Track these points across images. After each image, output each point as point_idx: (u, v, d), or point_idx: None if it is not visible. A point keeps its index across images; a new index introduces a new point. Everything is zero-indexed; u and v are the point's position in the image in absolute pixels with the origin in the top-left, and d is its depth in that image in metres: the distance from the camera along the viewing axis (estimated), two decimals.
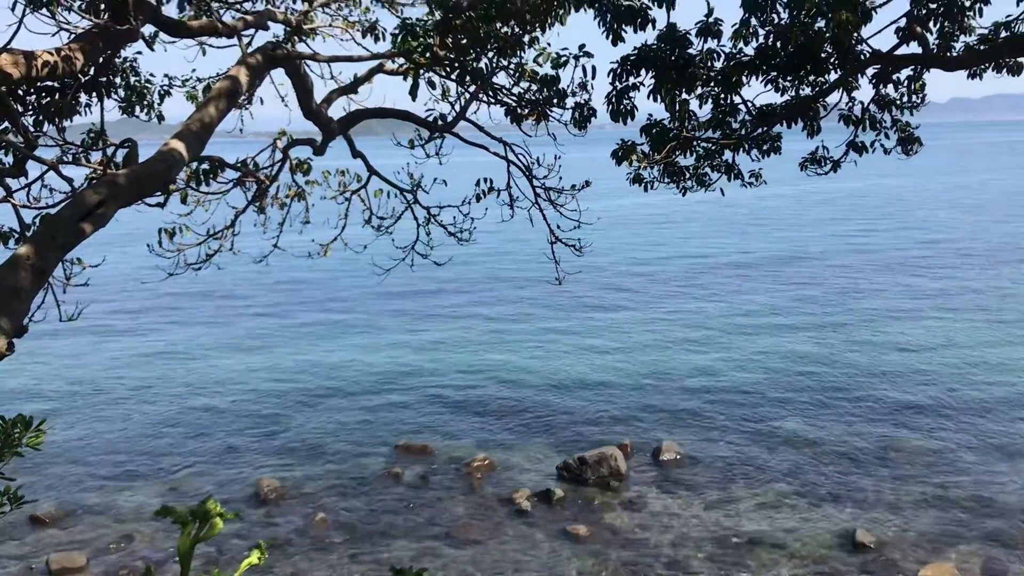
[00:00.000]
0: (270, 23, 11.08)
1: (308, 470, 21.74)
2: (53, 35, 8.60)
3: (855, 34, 11.89)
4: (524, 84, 11.17)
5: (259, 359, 32.44)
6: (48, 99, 9.77)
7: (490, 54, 10.31)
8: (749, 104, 12.72)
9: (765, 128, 12.68)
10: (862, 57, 12.21)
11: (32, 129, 9.49)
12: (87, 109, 10.61)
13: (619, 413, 25.35)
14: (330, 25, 12.95)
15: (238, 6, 11.35)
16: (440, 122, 11.42)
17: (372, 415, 25.75)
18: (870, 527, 17.75)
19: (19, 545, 18.19)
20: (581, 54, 10.54)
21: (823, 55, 11.92)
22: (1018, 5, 12.33)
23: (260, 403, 27.16)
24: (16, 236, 9.35)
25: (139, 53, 11.28)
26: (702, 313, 38.31)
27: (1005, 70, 13.41)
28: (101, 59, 9.64)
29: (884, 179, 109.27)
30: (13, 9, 8.41)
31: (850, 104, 13.40)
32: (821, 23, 11.82)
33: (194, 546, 3.27)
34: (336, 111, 11.66)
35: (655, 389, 27.49)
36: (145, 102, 11.61)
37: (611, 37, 11.27)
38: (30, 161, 8.64)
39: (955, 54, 12.96)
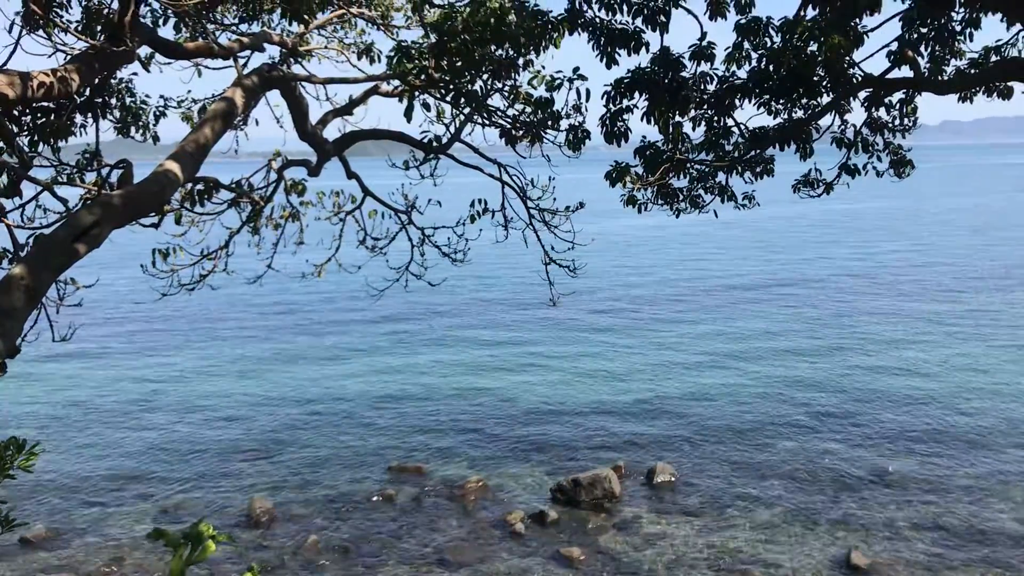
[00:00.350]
0: (266, 45, 11.15)
1: (301, 492, 21.61)
2: (49, 56, 8.63)
3: (847, 58, 11.99)
4: (519, 106, 11.24)
5: (252, 380, 32.33)
6: (43, 119, 9.79)
7: (485, 76, 10.37)
8: (742, 127, 12.81)
9: (758, 150, 12.76)
10: (854, 80, 12.31)
11: (27, 149, 9.50)
12: (82, 129, 10.64)
13: (613, 435, 25.28)
14: (326, 47, 13.03)
15: (234, 28, 11.40)
16: (435, 143, 11.48)
17: (365, 436, 25.65)
18: (865, 551, 17.68)
19: (8, 567, 18.02)
20: (575, 77, 10.61)
21: (815, 78, 12.02)
22: (1007, 30, 12.46)
23: (253, 424, 27.03)
24: (10, 256, 9.34)
25: (135, 74, 11.32)
26: (696, 335, 38.33)
27: (996, 94, 13.55)
28: (97, 80, 9.67)
29: (877, 201, 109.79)
30: (10, 30, 8.44)
31: (842, 127, 13.51)
32: (813, 47, 11.93)
33: (186, 569, 3.25)
34: (331, 132, 11.73)
35: (649, 411, 27.44)
36: (140, 123, 11.64)
37: (605, 60, 11.36)
38: (25, 181, 8.64)
39: (946, 78, 13.09)
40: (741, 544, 18.26)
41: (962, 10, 12.40)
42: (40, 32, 8.70)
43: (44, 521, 19.98)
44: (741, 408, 27.39)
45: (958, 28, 12.69)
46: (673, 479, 21.67)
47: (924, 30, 12.73)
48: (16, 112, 9.38)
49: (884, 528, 18.78)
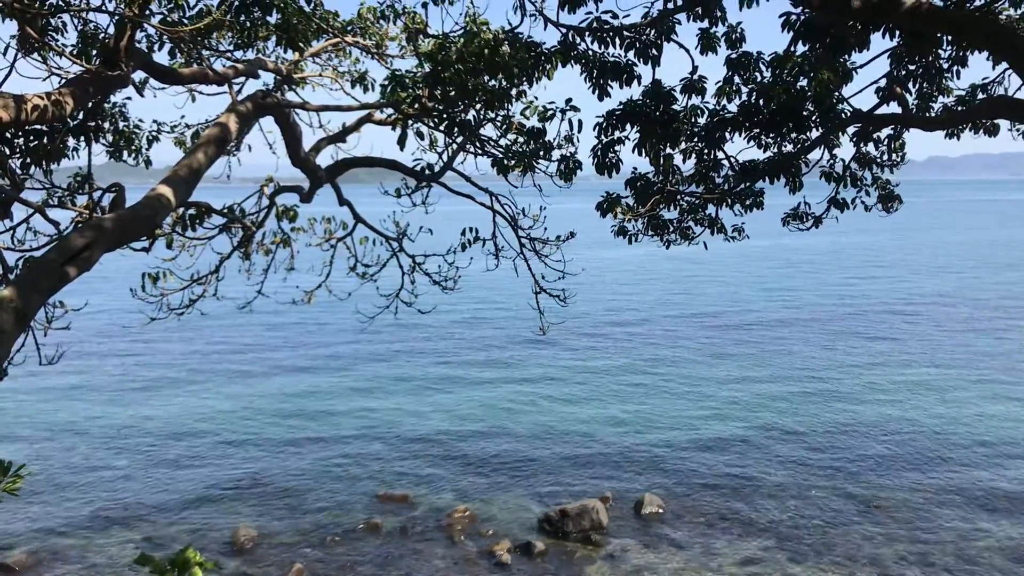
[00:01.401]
0: (261, 72, 11.21)
1: (286, 519, 21.43)
2: (44, 79, 8.66)
3: (836, 93, 12.13)
4: (511, 136, 11.32)
5: (239, 406, 32.12)
6: (36, 142, 9.80)
7: (478, 106, 10.45)
8: (732, 160, 12.91)
9: (748, 183, 12.86)
10: (843, 116, 12.45)
11: (19, 172, 9.50)
12: (75, 153, 10.65)
13: (601, 466, 25.20)
14: (320, 75, 13.11)
15: (229, 55, 11.46)
16: (427, 171, 11.53)
17: (351, 464, 25.49)
18: None
19: None
20: (568, 108, 10.71)
21: (805, 113, 12.15)
22: (993, 68, 12.63)
23: (238, 450, 26.84)
24: None
25: (128, 98, 11.35)
26: (685, 365, 38.35)
27: (982, 130, 13.70)
28: (91, 104, 9.70)
29: (866, 236, 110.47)
30: (5, 53, 8.48)
31: (831, 161, 13.62)
32: (803, 82, 12.07)
33: None
34: (324, 159, 11.76)
35: (637, 441, 27.38)
36: (133, 147, 11.66)
37: (597, 92, 11.45)
38: (16, 204, 8.64)
39: (934, 114, 13.25)
40: None
41: (949, 48, 12.58)
42: (35, 55, 8.74)
43: (25, 546, 19.74)
44: (729, 440, 27.35)
45: (945, 65, 12.87)
46: (661, 510, 21.58)
47: (912, 67, 12.91)
48: (9, 134, 9.39)
49: (872, 558, 18.73)
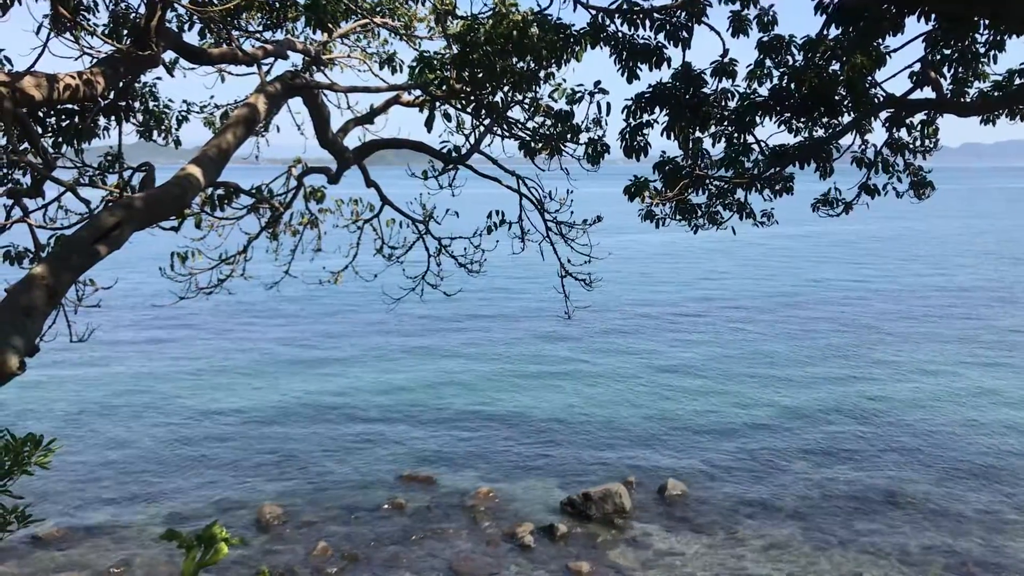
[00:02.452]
0: (289, 52, 11.22)
1: (311, 498, 21.63)
2: (76, 59, 8.72)
3: (869, 78, 11.95)
4: (539, 118, 11.25)
5: (266, 385, 32.42)
6: (68, 121, 9.89)
7: (506, 88, 10.39)
8: (762, 144, 12.76)
9: (778, 168, 12.71)
10: (876, 101, 12.26)
11: (51, 151, 9.60)
12: (105, 132, 10.73)
13: (624, 449, 25.20)
14: (348, 56, 13.11)
15: (258, 35, 11.49)
16: (454, 154, 11.50)
17: (377, 444, 25.66)
18: (876, 573, 17.53)
19: (19, 565, 18.11)
20: (596, 90, 10.63)
21: (837, 98, 11.97)
22: None
23: (265, 429, 27.10)
24: (31, 256, 9.42)
25: (159, 78, 11.41)
26: (711, 352, 38.18)
27: (1018, 116, 13.45)
28: (121, 83, 9.77)
29: (896, 222, 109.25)
30: (38, 33, 8.54)
31: (863, 147, 13.43)
32: (836, 66, 11.90)
33: (198, 571, 3.26)
34: (352, 141, 11.77)
35: (661, 426, 27.34)
36: (163, 127, 11.73)
37: (626, 74, 11.34)
38: (48, 182, 8.73)
39: (969, 100, 13.02)
40: (751, 563, 18.14)
41: (986, 32, 12.35)
42: (67, 35, 8.80)
43: (54, 519, 20.08)
44: (754, 427, 27.24)
45: (982, 50, 12.62)
46: (684, 495, 21.56)
47: (948, 51, 12.67)
48: (41, 113, 9.48)
49: (896, 551, 18.62)
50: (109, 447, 25.36)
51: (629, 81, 11.50)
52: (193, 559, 3.21)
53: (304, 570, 17.94)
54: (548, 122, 11.22)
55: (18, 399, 28.60)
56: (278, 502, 21.09)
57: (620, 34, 11.19)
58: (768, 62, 12.14)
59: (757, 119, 12.32)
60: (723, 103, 12.18)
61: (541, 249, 12.57)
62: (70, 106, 9.49)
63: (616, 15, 11.00)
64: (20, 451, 4.37)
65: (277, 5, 10.68)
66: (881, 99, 12.33)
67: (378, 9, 12.36)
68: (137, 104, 11.29)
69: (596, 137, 11.50)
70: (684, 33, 11.19)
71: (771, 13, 12.06)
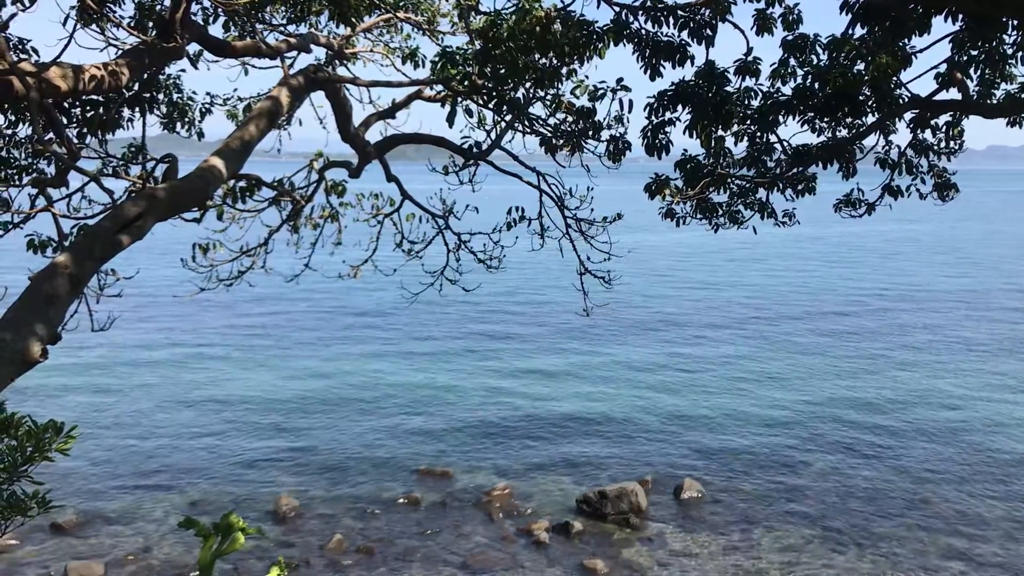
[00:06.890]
0: (312, 46, 11.25)
1: (328, 490, 21.73)
2: (101, 50, 8.79)
3: (894, 78, 11.85)
4: (560, 115, 11.23)
5: (285, 377, 32.59)
6: (92, 112, 9.96)
7: (528, 84, 10.37)
8: (785, 143, 12.68)
9: (800, 168, 12.63)
10: (900, 101, 12.15)
11: (75, 141, 9.67)
12: (129, 123, 10.80)
13: (641, 448, 25.15)
14: (371, 50, 13.13)
15: (282, 28, 11.53)
16: (475, 150, 11.49)
17: (394, 438, 25.75)
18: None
19: (38, 551, 18.31)
20: (618, 87, 10.59)
21: (861, 98, 11.88)
22: None
23: (283, 421, 27.25)
24: (54, 245, 9.50)
25: (183, 71, 11.46)
26: (730, 351, 38.02)
27: None
28: (146, 75, 9.83)
29: (920, 224, 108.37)
30: (64, 24, 8.61)
31: (887, 148, 13.32)
32: (860, 66, 11.80)
33: (215, 560, 3.28)
34: (373, 135, 11.79)
35: (678, 425, 27.26)
36: (186, 119, 11.79)
37: (649, 72, 11.29)
38: (72, 172, 8.79)
39: (995, 102, 12.88)
40: (766, 564, 18.07)
41: (1015, 33, 12.20)
42: (93, 26, 8.86)
43: (73, 506, 20.28)
44: (772, 428, 27.11)
45: (1009, 51, 12.48)
46: (700, 495, 21.49)
47: (974, 52, 12.53)
48: (66, 104, 9.55)
49: (914, 555, 18.48)
50: (128, 435, 25.58)
51: (652, 79, 11.44)
52: (210, 548, 3.23)
53: (319, 562, 18.03)
54: (570, 119, 11.19)
55: (40, 386, 28.88)
56: (295, 493, 21.20)
57: (643, 31, 11.14)
58: (792, 61, 12.06)
59: (780, 118, 12.24)
60: (746, 102, 12.11)
61: (560, 246, 12.54)
62: (95, 97, 9.55)
63: (640, 12, 10.95)
64: (41, 437, 4.42)
65: None
66: (906, 100, 12.22)
67: (401, 4, 12.37)
68: (161, 96, 11.35)
69: (617, 134, 11.45)
70: (708, 31, 11.13)
71: (796, 11, 11.97)
